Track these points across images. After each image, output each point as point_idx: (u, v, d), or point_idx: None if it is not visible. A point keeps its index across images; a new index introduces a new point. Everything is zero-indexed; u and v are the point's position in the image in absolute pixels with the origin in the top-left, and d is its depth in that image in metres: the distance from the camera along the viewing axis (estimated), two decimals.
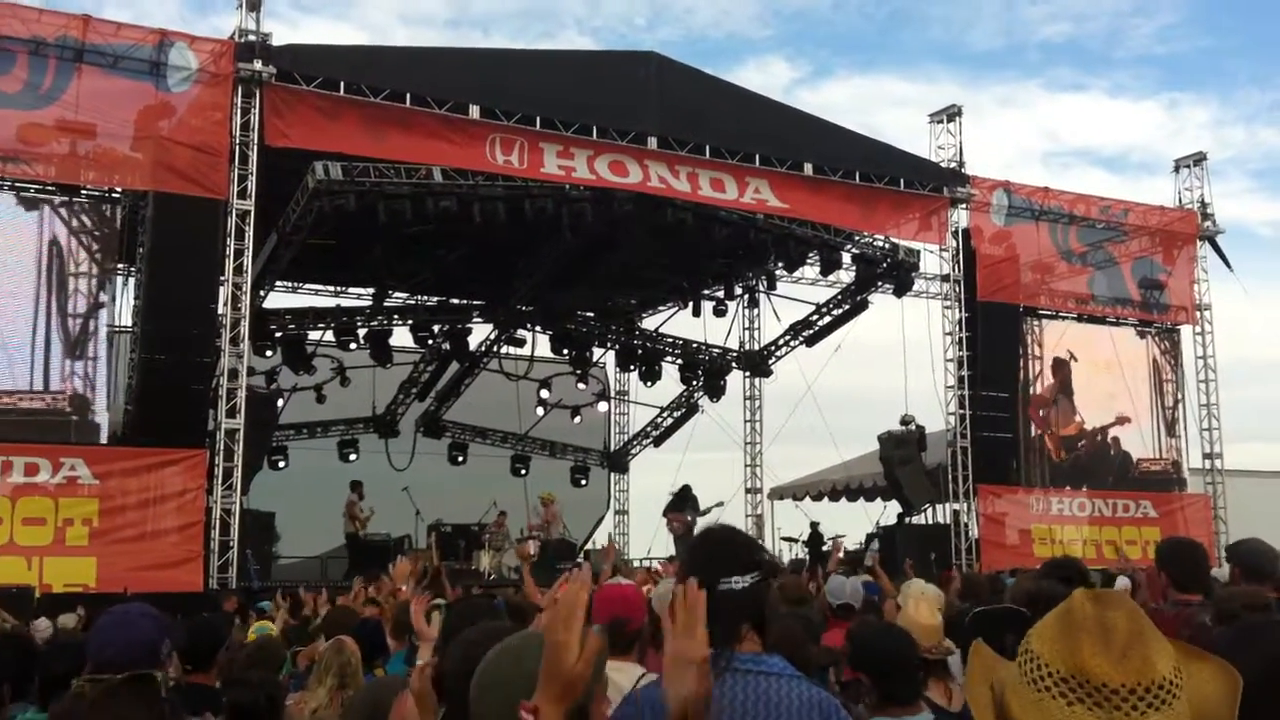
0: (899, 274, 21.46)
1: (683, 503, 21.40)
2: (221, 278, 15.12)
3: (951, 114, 20.67)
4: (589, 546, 24.38)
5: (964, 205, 20.67)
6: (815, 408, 22.73)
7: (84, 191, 15.05)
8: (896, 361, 20.80)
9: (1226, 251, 23.09)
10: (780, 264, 22.23)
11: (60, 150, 14.68)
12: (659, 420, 27.81)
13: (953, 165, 20.45)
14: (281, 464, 23.29)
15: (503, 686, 2.18)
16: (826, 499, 26.93)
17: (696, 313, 24.28)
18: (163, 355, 14.57)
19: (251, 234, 15.36)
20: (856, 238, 21.56)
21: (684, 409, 27.14)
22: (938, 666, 4.55)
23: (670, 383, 26.34)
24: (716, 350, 25.80)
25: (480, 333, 25.17)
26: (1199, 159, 23.51)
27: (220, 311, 15.10)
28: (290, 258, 18.86)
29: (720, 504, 21.80)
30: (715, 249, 20.99)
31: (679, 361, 26.13)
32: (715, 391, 26.07)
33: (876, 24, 70.83)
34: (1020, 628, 2.26)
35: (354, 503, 20.48)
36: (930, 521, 21.58)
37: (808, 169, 18.85)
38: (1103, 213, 22.45)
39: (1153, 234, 22.81)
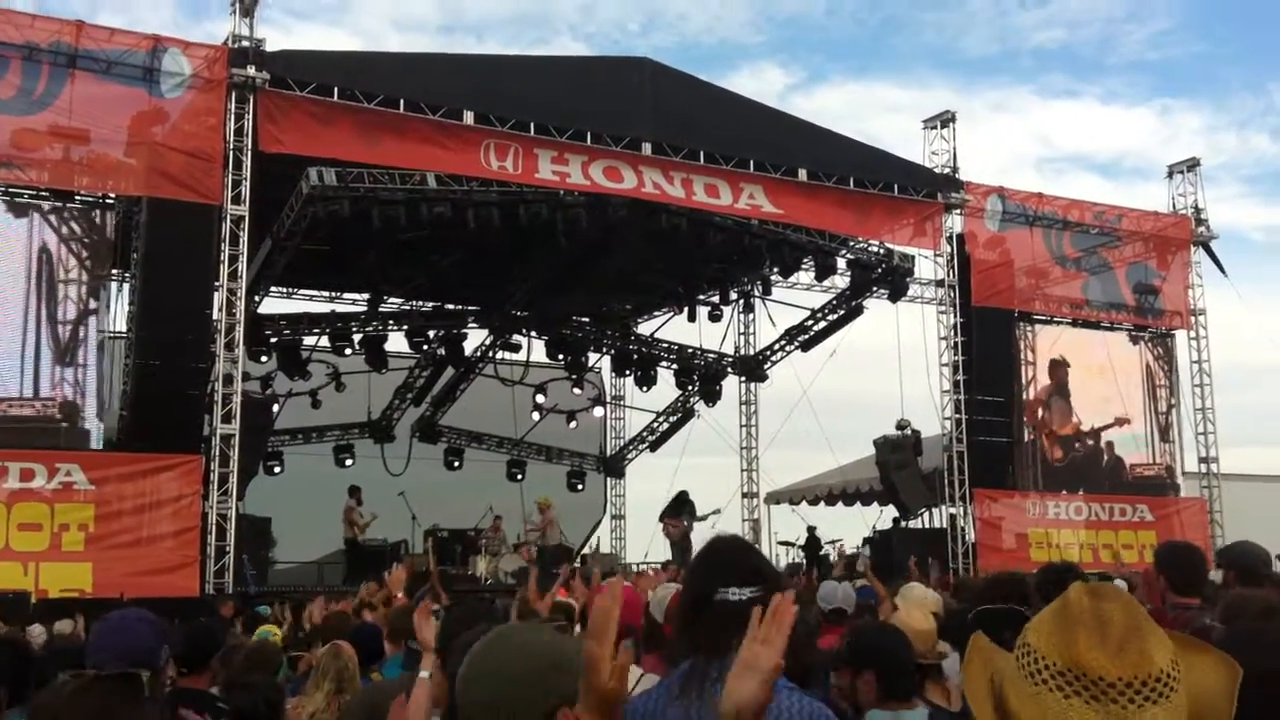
0: (894, 279, 21.50)
1: (679, 508, 21.42)
2: (216, 283, 15.09)
3: (945, 120, 20.72)
4: (585, 551, 24.36)
5: (958, 211, 20.70)
6: (811, 412, 22.78)
7: (78, 197, 15.03)
8: (892, 366, 20.89)
9: (1220, 257, 23.19)
10: (775, 269, 22.24)
11: (53, 156, 14.67)
12: (655, 425, 27.81)
13: (947, 171, 20.49)
14: (277, 469, 23.26)
15: (488, 679, 2.17)
16: (823, 504, 26.93)
17: (692, 318, 24.30)
18: (158, 361, 14.55)
19: (246, 239, 15.34)
20: (851, 243, 21.58)
21: (680, 414, 27.13)
22: (933, 670, 4.56)
23: (666, 388, 26.36)
24: (712, 355, 25.81)
25: (475, 338, 25.23)
26: (1192, 164, 23.58)
27: (215, 317, 15.08)
28: (285, 263, 18.85)
29: (718, 511, 21.86)
30: (710, 254, 21.00)
31: (674, 366, 26.13)
32: (711, 396, 26.07)
33: (870, 30, 71.04)
34: (1019, 628, 2.26)
35: (352, 508, 20.45)
36: (927, 526, 21.60)
37: (802, 175, 18.87)
38: (1096, 218, 22.49)
39: (1147, 239, 22.86)
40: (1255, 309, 39.53)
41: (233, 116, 15.28)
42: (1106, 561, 17.80)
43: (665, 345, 26.06)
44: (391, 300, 23.39)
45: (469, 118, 16.51)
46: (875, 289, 22.22)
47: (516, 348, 25.11)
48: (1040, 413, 21.95)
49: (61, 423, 14.68)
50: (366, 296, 22.95)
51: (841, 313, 23.23)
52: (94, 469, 14.25)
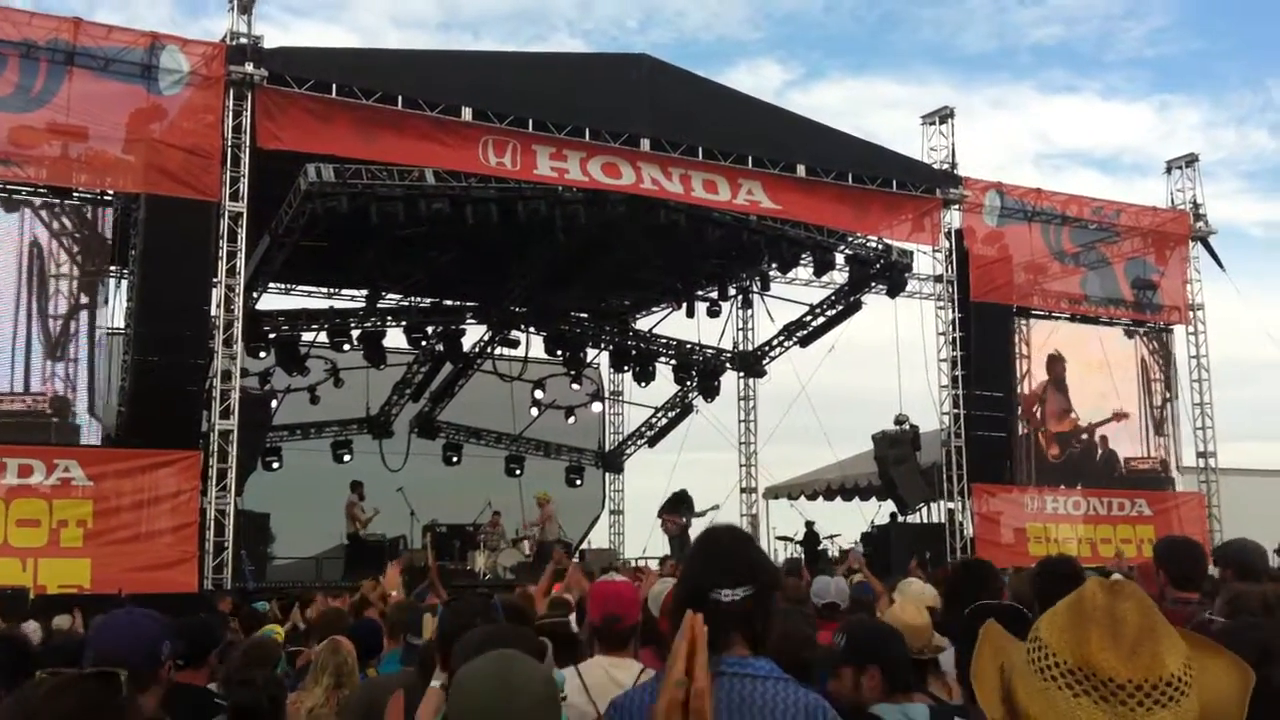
0: (892, 275, 21.51)
1: (678, 504, 21.45)
2: (214, 280, 15.09)
3: (944, 116, 20.72)
4: (584, 547, 24.38)
5: (956, 206, 20.71)
6: (810, 408, 22.81)
7: (75, 194, 15.01)
8: (890, 362, 20.92)
9: (1219, 252, 23.20)
10: (773, 265, 22.23)
11: (52, 153, 14.66)
12: (653, 421, 27.82)
13: (945, 166, 20.49)
14: (276, 465, 23.28)
15: (492, 715, 2.19)
16: (821, 498, 26.97)
17: (690, 313, 24.29)
18: (156, 357, 14.55)
19: (244, 236, 15.34)
20: (850, 239, 21.58)
21: (678, 409, 27.16)
22: (931, 665, 4.56)
23: (664, 383, 26.38)
24: (710, 351, 25.82)
25: (474, 334, 25.22)
26: (1190, 160, 23.58)
27: (213, 313, 15.08)
28: (283, 259, 18.84)
29: (716, 507, 21.86)
30: (708, 250, 21.00)
31: (673, 362, 26.13)
32: (709, 392, 26.09)
33: (868, 26, 70.94)
34: (1018, 626, 2.26)
35: (354, 503, 20.44)
36: (925, 521, 21.62)
37: (800, 170, 18.87)
38: (1095, 214, 22.49)
39: (1145, 235, 22.87)
40: (1253, 304, 39.61)
41: (231, 113, 15.27)
42: (1105, 556, 17.80)
43: (664, 341, 26.06)
44: (390, 296, 23.39)
45: (467, 114, 16.50)
46: (874, 284, 22.22)
47: (515, 343, 25.11)
48: (1037, 409, 21.96)
49: (52, 418, 14.68)
50: (365, 292, 22.96)
51: (840, 308, 23.24)
52: (92, 465, 14.25)
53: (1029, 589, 5.32)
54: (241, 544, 15.59)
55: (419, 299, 23.80)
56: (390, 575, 7.54)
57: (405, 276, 22.10)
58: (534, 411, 26.63)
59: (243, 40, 15.37)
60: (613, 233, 19.82)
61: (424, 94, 16.27)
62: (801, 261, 21.70)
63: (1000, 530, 20.34)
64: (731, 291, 24.42)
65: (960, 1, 66.25)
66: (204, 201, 14.92)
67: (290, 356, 22.36)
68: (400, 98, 16.10)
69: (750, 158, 18.47)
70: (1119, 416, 22.49)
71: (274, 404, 21.89)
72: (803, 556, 20.84)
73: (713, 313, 23.97)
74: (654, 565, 16.50)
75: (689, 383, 26.36)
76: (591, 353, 26.76)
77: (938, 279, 21.08)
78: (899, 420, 21.14)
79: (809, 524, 22.48)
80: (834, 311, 23.38)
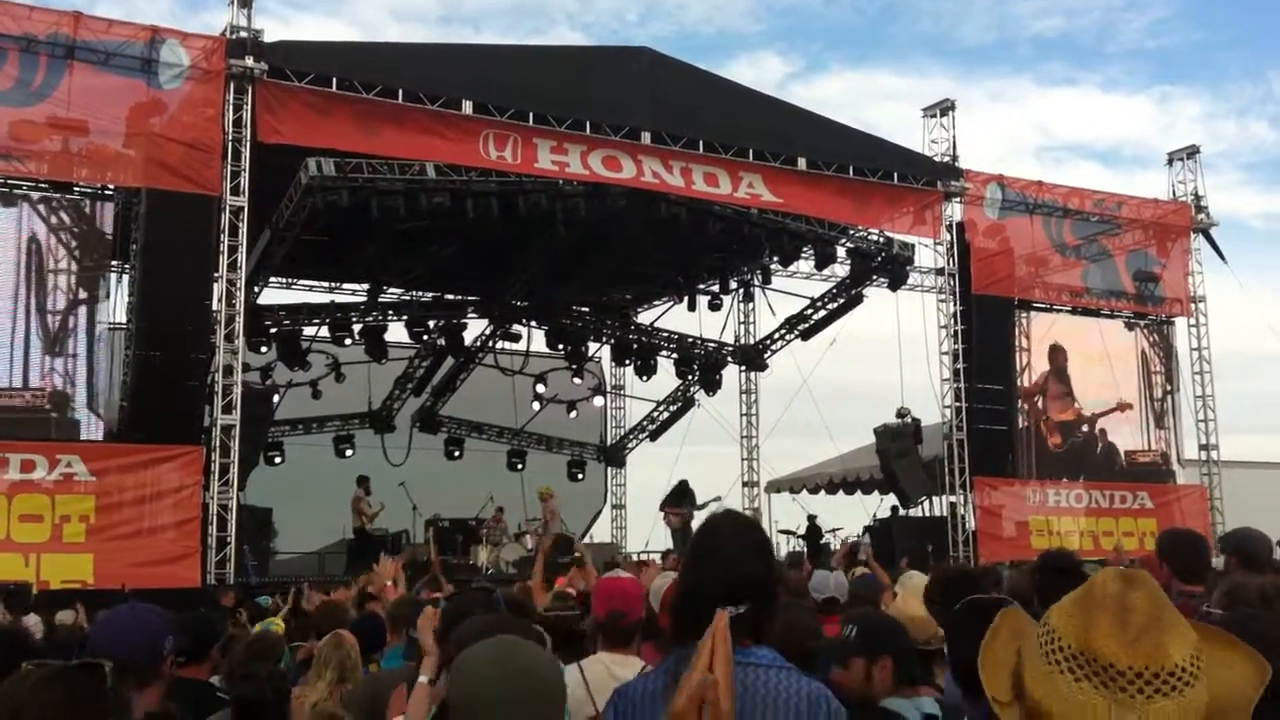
0: (893, 268, 21.49)
1: (680, 497, 21.42)
2: (215, 274, 15.09)
3: (945, 108, 20.69)
4: (586, 541, 24.38)
5: (958, 199, 20.69)
6: (811, 401, 22.80)
7: (76, 189, 15.00)
8: (892, 355, 20.90)
9: (1220, 244, 23.18)
10: (775, 258, 22.22)
11: (52, 147, 14.64)
12: (655, 414, 27.83)
13: (946, 159, 20.48)
14: (278, 460, 23.30)
15: (505, 705, 2.18)
16: (823, 492, 26.96)
17: (692, 307, 24.28)
18: (157, 352, 14.56)
19: (245, 230, 15.33)
20: (851, 232, 21.56)
21: (680, 403, 27.16)
22: (938, 656, 4.55)
23: (666, 377, 26.36)
24: (712, 344, 25.81)
25: (475, 328, 25.24)
26: (1192, 152, 23.54)
27: (215, 308, 15.08)
28: (284, 254, 18.83)
29: (718, 498, 21.81)
30: (709, 243, 20.99)
31: (674, 356, 26.12)
32: (711, 385, 26.08)
33: (868, 18, 70.91)
34: None
35: (360, 498, 20.42)
36: (927, 514, 21.62)
37: (801, 163, 18.85)
38: (1096, 206, 22.47)
39: (1146, 227, 22.84)
40: (1255, 296, 39.57)
41: (231, 107, 15.27)
42: (1107, 549, 17.80)
43: (665, 334, 26.06)
44: (391, 290, 23.39)
45: (468, 107, 16.49)
46: (875, 277, 22.21)
47: (516, 337, 25.11)
48: (1039, 399, 21.95)
49: (51, 413, 14.67)
50: (366, 287, 22.96)
51: (841, 301, 23.24)
52: (95, 460, 14.26)
53: (1028, 583, 5.32)
54: (244, 539, 15.59)
55: (420, 293, 23.80)
56: (384, 566, 7.48)
57: (406, 270, 22.10)
58: (535, 405, 26.63)
59: (243, 34, 15.36)
60: (614, 226, 19.80)
61: (424, 87, 16.25)
62: (803, 255, 21.69)
63: (1002, 523, 20.35)
64: (733, 285, 24.41)
65: None
66: (205, 196, 14.91)
67: (292, 351, 22.36)
68: (401, 91, 16.09)
69: (751, 151, 18.46)
70: (1123, 407, 22.47)
71: (276, 399, 21.86)
72: (805, 550, 20.85)
73: (714, 306, 23.97)
74: (656, 559, 16.49)
75: (690, 376, 26.36)
76: (593, 346, 26.75)
77: (939, 272, 21.07)
78: (901, 413, 21.13)
79: (811, 517, 22.47)
80: (835, 305, 23.38)
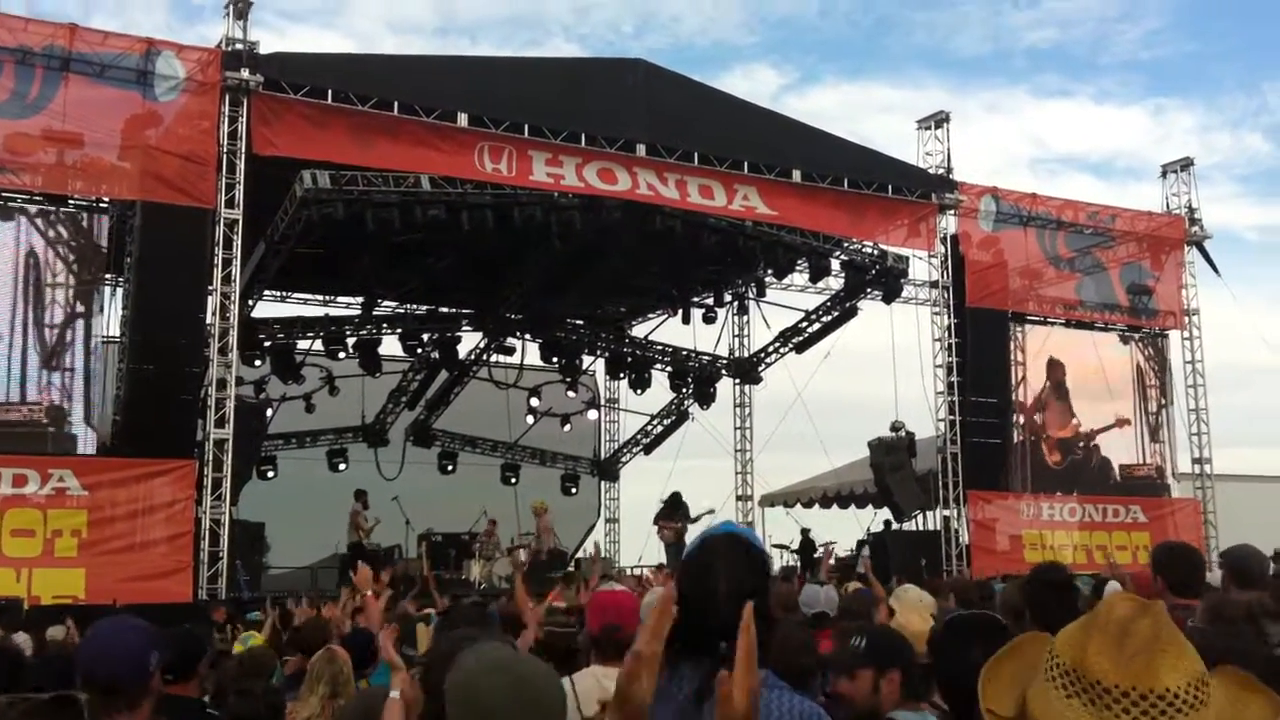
0: (888, 280, 21.50)
1: (674, 510, 21.38)
2: (210, 287, 15.06)
3: (939, 120, 20.72)
4: (579, 555, 24.32)
5: (952, 211, 20.72)
6: (805, 414, 22.79)
7: (71, 201, 14.98)
8: (886, 368, 20.88)
9: (1214, 256, 23.22)
10: (769, 271, 22.23)
11: (47, 160, 14.63)
12: (649, 428, 27.80)
13: (941, 171, 20.50)
14: (270, 474, 23.23)
15: (503, 714, 2.17)
16: (817, 506, 26.91)
17: (686, 320, 24.29)
18: (151, 365, 14.52)
19: (239, 243, 15.32)
20: (845, 244, 21.58)
21: (674, 416, 27.13)
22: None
23: (660, 390, 26.34)
24: (706, 357, 25.80)
25: (470, 341, 25.20)
26: (1186, 164, 23.60)
27: (209, 321, 15.05)
28: (278, 267, 18.81)
29: (711, 510, 21.79)
30: (704, 256, 20.99)
31: (669, 369, 26.11)
32: (705, 399, 26.06)
33: (863, 31, 71.03)
34: (996, 636, 2.22)
35: (358, 512, 20.33)
36: (921, 528, 21.59)
37: (796, 176, 18.87)
38: (1090, 218, 22.50)
39: (1140, 239, 22.88)
40: (1249, 309, 39.72)
41: (226, 119, 15.26)
42: (1101, 563, 17.78)
43: (659, 348, 26.04)
44: (385, 303, 23.37)
45: (463, 120, 16.49)
46: (869, 290, 22.22)
47: (510, 351, 25.10)
48: (1039, 415, 21.94)
49: (48, 427, 14.63)
50: (360, 300, 22.94)
51: (836, 314, 23.24)
52: (87, 474, 14.21)
53: (1020, 597, 5.30)
54: (236, 554, 15.51)
55: (415, 306, 23.79)
56: (363, 574, 7.38)
57: (401, 283, 22.08)
58: (529, 419, 26.61)
59: (238, 46, 15.36)
60: (609, 239, 19.81)
61: (420, 100, 16.26)
62: (797, 267, 21.72)
63: (996, 537, 20.34)
64: (727, 298, 24.43)
65: (954, 5, 66.47)
66: (200, 208, 14.89)
67: (285, 364, 22.31)
68: (396, 103, 16.09)
69: (746, 163, 18.48)
70: (1122, 423, 22.48)
71: (269, 412, 21.83)
72: (799, 564, 20.83)
73: (708, 319, 23.97)
74: (648, 574, 16.46)
75: (685, 390, 26.34)
76: (587, 360, 26.75)
77: (933, 284, 21.07)
78: (895, 427, 21.12)
79: (804, 531, 22.45)
80: (830, 318, 23.39)
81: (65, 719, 2.22)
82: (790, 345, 24.39)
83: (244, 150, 15.28)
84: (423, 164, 16.80)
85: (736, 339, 25.87)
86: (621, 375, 26.74)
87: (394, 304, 23.55)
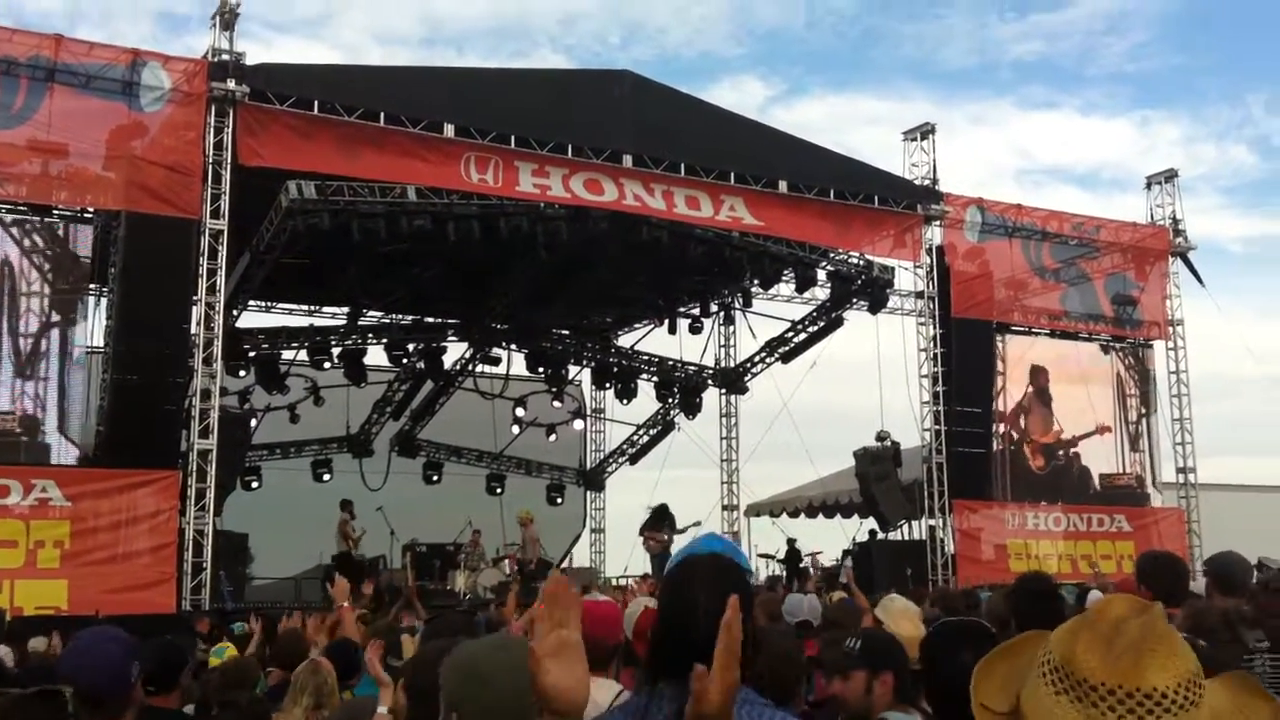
0: (874, 291, 21.56)
1: (660, 521, 21.35)
2: (194, 297, 15.01)
3: (925, 132, 20.80)
4: (564, 565, 24.30)
5: (938, 222, 20.79)
6: (791, 424, 22.81)
7: (55, 211, 14.92)
8: (872, 378, 20.95)
9: (1199, 267, 23.33)
10: (755, 281, 22.26)
11: (32, 170, 14.57)
12: (635, 438, 27.79)
13: (926, 182, 20.57)
14: (255, 484, 23.12)
15: (498, 676, 2.16)
16: (803, 515, 26.95)
17: (672, 330, 24.31)
18: (135, 376, 14.45)
19: (224, 253, 15.27)
20: (831, 255, 21.63)
21: (660, 426, 27.13)
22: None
23: (646, 400, 26.35)
24: (692, 367, 25.82)
25: (455, 351, 25.15)
26: (1170, 176, 23.72)
27: (193, 331, 14.99)
28: (263, 277, 18.76)
29: (698, 523, 21.76)
30: (691, 266, 21.02)
31: (655, 379, 26.12)
32: (691, 409, 26.08)
33: (850, 42, 71.28)
34: (985, 642, 2.22)
35: (346, 521, 20.29)
36: (906, 537, 21.63)
37: (782, 186, 18.91)
38: (1075, 229, 22.59)
39: (1125, 250, 22.98)
40: (1233, 319, 39.89)
41: (212, 130, 15.22)
42: (1085, 573, 17.83)
43: (645, 358, 26.05)
44: (371, 314, 23.32)
45: (449, 130, 16.49)
46: (855, 301, 22.27)
47: (496, 361, 25.07)
48: (1022, 420, 22.00)
49: (21, 436, 14.51)
50: (346, 310, 22.87)
51: (821, 324, 23.29)
52: (70, 485, 14.13)
53: (1005, 606, 5.33)
54: (220, 564, 15.47)
55: (400, 316, 23.75)
56: (340, 586, 7.35)
57: (386, 294, 22.04)
58: (515, 429, 26.59)
59: (224, 57, 15.34)
60: (595, 249, 19.82)
61: (406, 110, 16.24)
62: (783, 278, 21.74)
63: (981, 547, 20.37)
64: (713, 308, 24.46)
65: (941, 17, 66.75)
66: (185, 219, 14.85)
67: (270, 375, 22.25)
68: (382, 114, 16.07)
69: (732, 174, 18.51)
70: (1102, 430, 22.55)
71: (253, 423, 21.75)
72: (784, 574, 20.82)
73: (694, 329, 23.99)
74: (632, 584, 16.46)
75: (671, 400, 26.35)
76: (573, 370, 26.76)
77: (919, 295, 21.13)
78: (880, 436, 21.15)
79: (790, 541, 22.45)
80: (816, 328, 23.43)
81: (49, 711, 2.22)
82: (776, 355, 24.42)
83: (229, 161, 15.25)
84: (409, 174, 16.79)
85: (722, 349, 25.91)
86: (607, 385, 26.73)
87: (379, 314, 23.50)
